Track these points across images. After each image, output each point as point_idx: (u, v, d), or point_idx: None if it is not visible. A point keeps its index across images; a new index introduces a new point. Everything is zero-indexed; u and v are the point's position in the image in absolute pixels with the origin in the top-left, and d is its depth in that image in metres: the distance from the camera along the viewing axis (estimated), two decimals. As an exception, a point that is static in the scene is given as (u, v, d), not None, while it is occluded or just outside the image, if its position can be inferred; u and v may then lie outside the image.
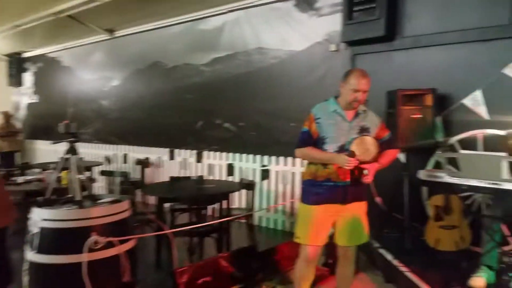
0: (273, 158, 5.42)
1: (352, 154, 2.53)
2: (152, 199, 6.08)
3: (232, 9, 5.86)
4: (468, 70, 3.94)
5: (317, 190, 2.62)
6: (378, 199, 4.49)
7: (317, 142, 2.65)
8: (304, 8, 5.20)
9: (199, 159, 6.22)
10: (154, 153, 6.90)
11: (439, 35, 4.12)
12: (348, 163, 2.49)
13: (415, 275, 3.26)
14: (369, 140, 2.59)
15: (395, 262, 3.52)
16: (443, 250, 3.53)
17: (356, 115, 2.66)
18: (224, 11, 5.95)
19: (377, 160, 2.62)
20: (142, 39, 7.25)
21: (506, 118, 3.34)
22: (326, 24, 4.99)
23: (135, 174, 6.58)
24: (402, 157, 4.20)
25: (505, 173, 2.73)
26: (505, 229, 3.44)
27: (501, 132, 3.57)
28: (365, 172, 2.60)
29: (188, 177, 4.96)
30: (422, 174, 3.38)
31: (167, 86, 6.87)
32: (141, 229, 4.31)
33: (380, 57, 4.56)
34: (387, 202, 4.24)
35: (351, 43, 4.66)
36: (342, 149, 2.58)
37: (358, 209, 2.70)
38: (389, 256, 3.66)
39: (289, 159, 5.26)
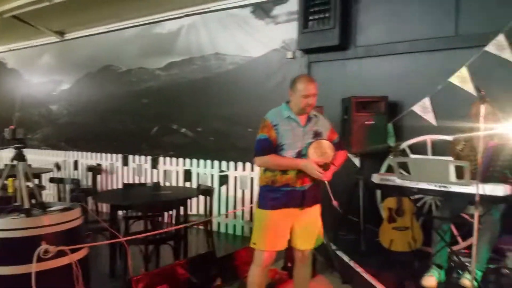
0: (232, 163, 5.40)
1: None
2: (105, 207, 5.86)
3: (188, 13, 5.81)
4: (417, 78, 4.15)
5: (275, 195, 2.62)
6: (335, 203, 4.59)
7: (275, 149, 2.64)
8: (261, 15, 5.26)
9: (154, 165, 6.09)
10: (107, 159, 6.68)
11: (390, 45, 4.31)
12: (319, 173, 2.52)
13: (370, 275, 3.35)
14: (326, 144, 2.63)
15: (352, 263, 3.61)
16: (396, 250, 3.66)
17: (309, 119, 2.68)
18: (180, 15, 5.90)
19: (333, 162, 2.68)
20: (94, 42, 7.03)
21: (452, 124, 3.52)
22: (283, 32, 5.07)
23: (87, 181, 6.32)
24: (357, 161, 4.33)
25: (452, 177, 2.87)
26: (454, 229, 3.63)
27: (448, 138, 3.77)
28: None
29: (143, 184, 4.82)
30: (375, 178, 3.49)
31: (121, 90, 6.69)
32: (93, 237, 4.15)
33: (335, 66, 4.71)
34: (343, 205, 4.33)
35: (307, 51, 4.78)
36: (300, 155, 2.61)
37: (314, 212, 2.75)
38: (345, 258, 3.75)
39: (248, 164, 5.27)
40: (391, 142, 4.20)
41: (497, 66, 3.71)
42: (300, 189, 2.62)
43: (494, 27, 3.69)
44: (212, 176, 5.55)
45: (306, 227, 2.69)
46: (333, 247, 3.86)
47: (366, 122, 4.04)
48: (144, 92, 6.42)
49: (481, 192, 2.59)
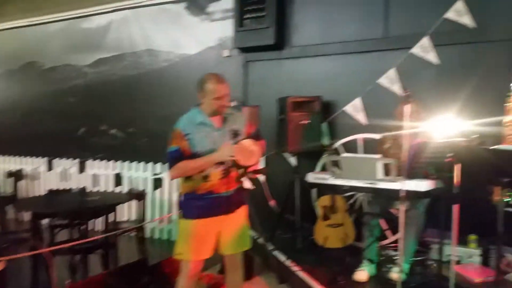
0: (167, 165, 5.21)
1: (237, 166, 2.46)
2: (27, 215, 5.42)
3: (118, 8, 5.56)
4: (349, 79, 4.27)
5: (198, 203, 2.50)
6: (272, 203, 4.63)
7: (190, 159, 2.49)
8: (195, 11, 5.15)
9: (82, 169, 5.74)
10: (29, 164, 6.20)
11: (323, 46, 4.40)
12: (233, 149, 2.41)
13: (306, 273, 3.38)
14: (249, 143, 2.50)
15: (288, 263, 3.62)
16: (330, 247, 3.73)
17: (224, 119, 2.57)
18: (109, 9, 5.63)
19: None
20: (15, 37, 6.51)
21: (381, 123, 3.64)
22: (219, 29, 5.00)
23: (6, 188, 5.87)
24: (293, 161, 4.37)
25: (380, 174, 2.97)
26: (383, 224, 3.77)
27: (376, 136, 3.91)
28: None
29: (69, 190, 4.53)
30: (310, 177, 3.53)
31: (45, 88, 6.27)
32: (13, 249, 3.81)
33: (271, 65, 4.72)
34: (279, 204, 4.38)
35: (243, 50, 4.74)
36: (221, 161, 2.49)
37: (240, 216, 2.66)
38: (282, 257, 3.75)
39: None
40: (326, 141, 4.28)
41: (422, 67, 3.90)
42: (225, 194, 2.53)
43: (420, 30, 3.88)
44: (145, 179, 5.33)
45: (234, 231, 2.61)
46: (270, 247, 3.86)
47: (302, 122, 4.08)
48: (71, 90, 6.06)
49: (406, 188, 2.69)
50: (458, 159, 2.50)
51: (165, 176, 5.20)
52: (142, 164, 5.38)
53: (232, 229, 2.60)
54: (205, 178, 2.49)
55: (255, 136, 2.66)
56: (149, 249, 4.38)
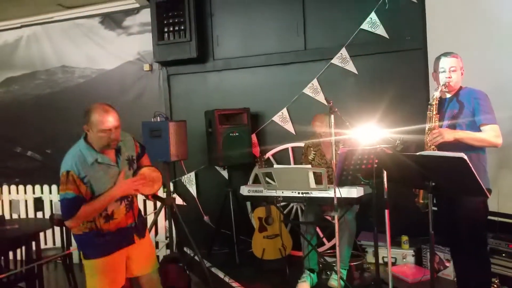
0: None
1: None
2: None
3: (26, 24, 5.17)
4: (275, 90, 4.35)
5: (104, 239, 2.33)
6: (206, 218, 4.56)
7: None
8: (111, 26, 4.94)
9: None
10: None
11: (246, 58, 4.44)
12: (135, 180, 2.34)
13: (245, 288, 3.35)
14: (147, 171, 2.44)
15: (227, 279, 3.57)
16: (268, 259, 3.74)
17: (117, 151, 2.36)
18: (16, 25, 5.23)
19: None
20: None
21: (308, 131, 3.74)
22: (138, 44, 4.84)
23: None
24: (225, 174, 4.33)
25: (312, 183, 3.04)
26: (320, 232, 3.86)
27: (301, 144, 4.00)
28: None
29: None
30: (243, 190, 3.52)
31: None
32: None
33: (195, 78, 4.65)
34: (215, 219, 4.32)
35: (165, 64, 4.62)
36: (126, 197, 2.38)
37: (146, 238, 2.59)
38: (221, 274, 3.69)
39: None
40: (256, 152, 4.31)
41: (342, 77, 4.09)
42: (131, 225, 2.45)
43: (338, 42, 4.05)
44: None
45: (143, 253, 2.53)
46: (207, 264, 3.79)
47: (231, 134, 4.06)
48: (-22, 112, 5.48)
49: (338, 195, 2.77)
50: (384, 165, 2.63)
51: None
52: (63, 187, 5.01)
53: (141, 253, 2.51)
54: (109, 217, 2.34)
55: (143, 155, 2.58)
56: (78, 276, 4.09)
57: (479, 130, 2.47)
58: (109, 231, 2.35)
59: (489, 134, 2.44)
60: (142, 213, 2.68)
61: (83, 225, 2.31)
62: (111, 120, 2.22)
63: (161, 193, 4.10)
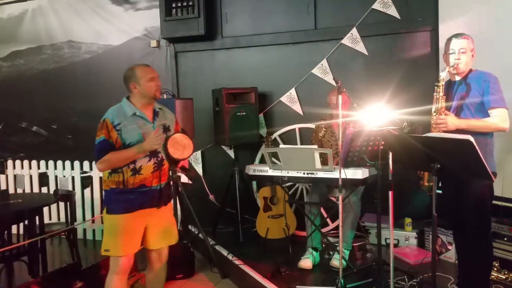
0: (94, 162, 4.93)
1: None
2: None
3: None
4: (283, 69, 4.30)
5: (128, 197, 2.42)
6: (211, 197, 4.57)
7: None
8: (118, 1, 4.88)
9: (1, 170, 5.26)
10: None
11: (256, 36, 4.37)
12: (157, 137, 2.39)
13: (248, 266, 3.38)
14: (181, 137, 2.55)
15: (230, 257, 3.60)
16: (272, 238, 3.77)
17: (155, 113, 2.54)
18: (21, -1, 5.16)
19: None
20: None
21: (316, 112, 3.72)
22: (145, 19, 4.78)
23: None
24: (231, 153, 4.34)
25: (317, 163, 3.03)
26: (324, 213, 3.88)
27: (311, 125, 3.99)
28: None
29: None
30: (249, 169, 3.52)
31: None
32: None
33: (203, 56, 4.61)
34: (220, 198, 4.34)
35: (172, 40, 4.57)
36: (155, 154, 2.46)
37: (168, 210, 2.67)
38: (224, 252, 3.73)
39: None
40: (263, 132, 4.29)
41: (352, 58, 4.04)
42: (157, 187, 2.50)
43: (348, 22, 3.99)
44: (73, 178, 5.00)
45: (162, 225, 2.58)
46: (211, 242, 3.82)
47: (238, 114, 4.04)
48: (-18, 86, 5.47)
49: (343, 176, 2.77)
50: (390, 146, 2.62)
51: (94, 174, 4.92)
52: (68, 162, 5.03)
53: (160, 223, 2.57)
54: (137, 171, 2.42)
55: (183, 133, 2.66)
56: (82, 251, 4.15)
57: (487, 113, 2.45)
58: (134, 188, 2.41)
59: (496, 119, 2.42)
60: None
61: (111, 178, 2.43)
62: (151, 71, 2.51)
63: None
